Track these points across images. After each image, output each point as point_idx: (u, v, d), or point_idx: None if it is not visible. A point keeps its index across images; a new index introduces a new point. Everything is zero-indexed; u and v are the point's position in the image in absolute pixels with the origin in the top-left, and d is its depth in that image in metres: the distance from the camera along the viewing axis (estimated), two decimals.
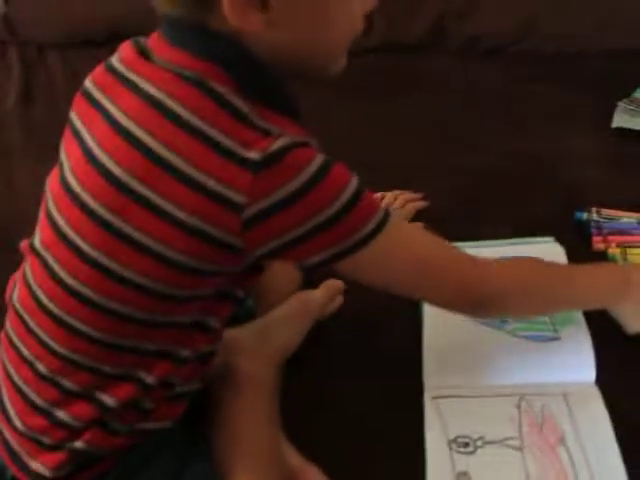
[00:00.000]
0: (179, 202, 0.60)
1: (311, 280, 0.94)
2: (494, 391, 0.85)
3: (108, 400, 0.68)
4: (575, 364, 0.87)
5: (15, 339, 0.72)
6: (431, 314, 0.93)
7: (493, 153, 1.23)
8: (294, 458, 0.77)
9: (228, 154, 0.59)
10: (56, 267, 0.67)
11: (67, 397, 0.68)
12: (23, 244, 0.75)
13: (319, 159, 0.61)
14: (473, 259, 0.75)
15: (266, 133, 0.60)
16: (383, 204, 1.13)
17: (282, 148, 0.60)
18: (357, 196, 0.63)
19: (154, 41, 0.67)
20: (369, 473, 0.78)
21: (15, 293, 0.73)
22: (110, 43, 0.81)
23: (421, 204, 1.13)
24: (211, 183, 0.59)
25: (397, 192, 1.14)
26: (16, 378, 0.71)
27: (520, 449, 0.79)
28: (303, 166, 0.60)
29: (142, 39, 0.69)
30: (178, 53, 0.64)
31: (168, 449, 0.72)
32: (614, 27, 1.55)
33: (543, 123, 1.33)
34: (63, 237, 0.66)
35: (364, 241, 0.65)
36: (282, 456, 0.76)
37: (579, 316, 0.92)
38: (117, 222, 0.63)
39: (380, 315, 0.95)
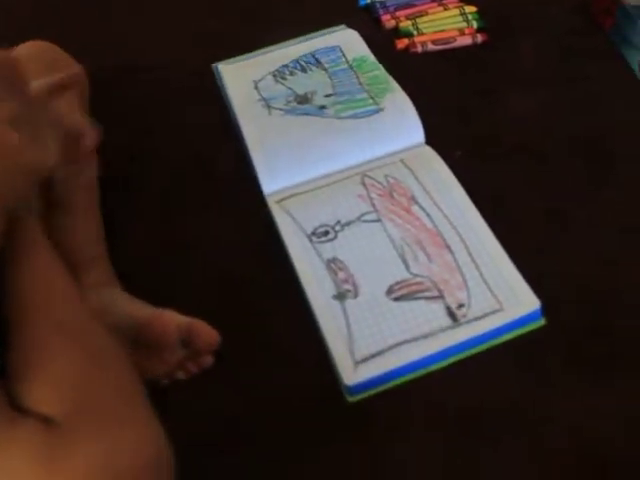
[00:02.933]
0: None
1: None
2: (334, 178, 0.82)
3: None
4: (404, 129, 0.85)
5: None
6: (241, 107, 0.88)
7: None
8: (144, 309, 0.66)
9: None
10: None
11: None
12: None
13: None
14: None
15: None
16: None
17: None
18: None
19: None
20: (242, 295, 0.73)
21: None
22: None
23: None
24: None
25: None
26: None
27: (378, 220, 0.76)
28: None
29: None
30: None
31: None
32: None
33: None
34: None
35: None
36: (131, 313, 0.66)
37: (395, 85, 0.89)
38: None
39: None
